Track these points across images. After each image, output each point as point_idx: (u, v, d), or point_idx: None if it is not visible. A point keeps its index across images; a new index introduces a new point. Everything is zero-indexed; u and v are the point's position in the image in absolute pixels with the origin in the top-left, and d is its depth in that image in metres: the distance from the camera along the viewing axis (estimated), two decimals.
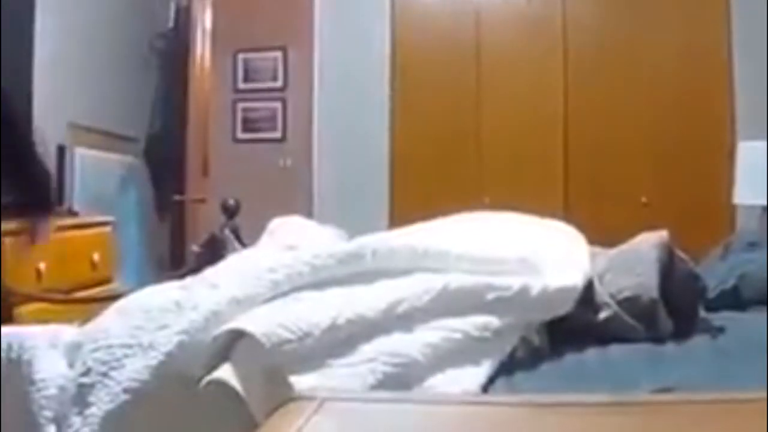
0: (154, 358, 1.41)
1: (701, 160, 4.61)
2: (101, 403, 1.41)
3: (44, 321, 1.84)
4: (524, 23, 5.01)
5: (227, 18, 5.29)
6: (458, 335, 1.46)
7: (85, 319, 1.71)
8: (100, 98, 4.52)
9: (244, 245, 2.68)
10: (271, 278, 1.52)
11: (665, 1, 4.76)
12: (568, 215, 3.84)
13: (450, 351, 1.43)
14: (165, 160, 5.15)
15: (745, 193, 3.99)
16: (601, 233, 2.10)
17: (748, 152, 4.00)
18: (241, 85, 5.65)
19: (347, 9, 5.31)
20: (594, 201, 4.73)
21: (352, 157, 5.23)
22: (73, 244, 3.16)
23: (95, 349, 1.49)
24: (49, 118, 3.63)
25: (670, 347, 1.63)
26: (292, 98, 5.54)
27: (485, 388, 1.41)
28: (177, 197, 4.91)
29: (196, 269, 2.04)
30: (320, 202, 5.29)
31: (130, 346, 1.47)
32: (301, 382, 1.26)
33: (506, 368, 1.49)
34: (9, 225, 2.53)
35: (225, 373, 1.32)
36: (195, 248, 2.93)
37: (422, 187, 5.05)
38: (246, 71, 5.64)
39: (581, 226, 2.10)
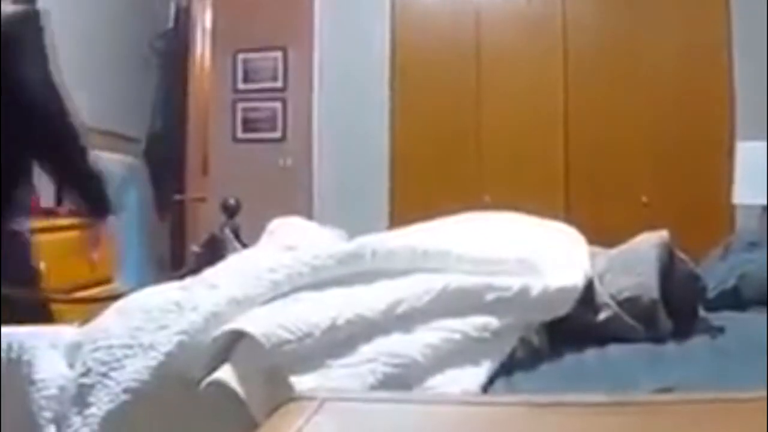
0: (154, 358, 1.41)
1: (701, 160, 4.61)
2: (101, 404, 1.40)
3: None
4: (524, 23, 5.01)
5: (227, 18, 5.29)
6: (458, 336, 1.46)
7: (85, 320, 1.71)
8: (100, 98, 4.52)
9: (244, 245, 2.68)
10: (271, 279, 1.52)
11: (665, 1, 4.76)
12: (568, 215, 3.85)
13: (450, 351, 1.43)
14: (165, 160, 5.15)
15: (745, 193, 3.99)
16: (601, 233, 2.10)
17: (747, 152, 4.01)
18: (241, 85, 5.65)
19: (347, 9, 5.31)
20: (594, 201, 4.73)
21: (352, 157, 5.23)
22: (73, 244, 3.15)
23: (95, 350, 1.49)
24: None
25: (670, 347, 1.63)
26: (292, 98, 5.54)
27: (485, 388, 1.41)
28: (177, 197, 4.91)
29: (196, 269, 2.03)
30: (320, 202, 5.29)
31: (130, 347, 1.47)
32: (301, 382, 1.26)
33: (506, 369, 1.49)
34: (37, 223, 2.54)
35: (225, 373, 1.32)
36: (195, 248, 2.92)
37: (422, 187, 5.06)
38: (246, 71, 5.64)
39: (581, 226, 2.10)
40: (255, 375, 1.32)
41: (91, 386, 1.44)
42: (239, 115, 5.64)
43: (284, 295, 1.51)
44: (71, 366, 1.52)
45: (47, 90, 2.20)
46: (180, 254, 4.78)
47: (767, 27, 4.24)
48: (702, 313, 1.85)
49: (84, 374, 1.46)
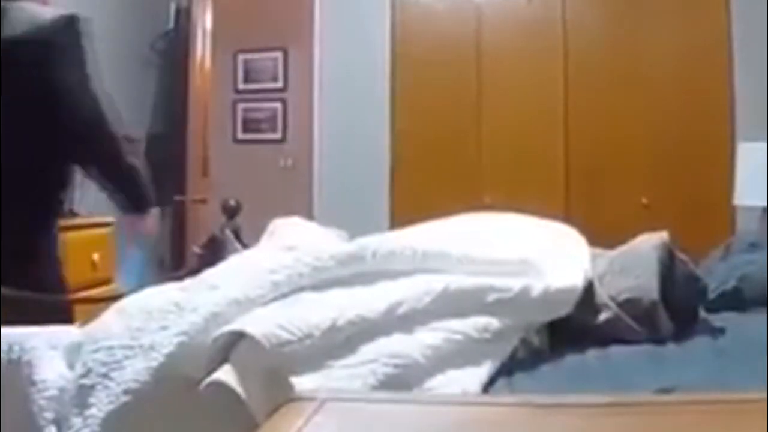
0: (154, 359, 1.41)
1: (701, 161, 4.61)
2: (101, 404, 1.40)
3: None
4: (524, 23, 5.01)
5: (227, 18, 5.29)
6: (459, 336, 1.46)
7: (85, 320, 1.71)
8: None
9: (244, 246, 2.68)
10: (271, 279, 1.52)
11: (665, 2, 4.76)
12: (568, 216, 3.85)
13: (450, 352, 1.43)
14: (165, 161, 5.15)
15: (745, 194, 3.99)
16: (602, 234, 2.10)
17: (748, 153, 4.01)
18: (242, 86, 5.65)
19: (347, 10, 5.32)
20: (594, 201, 4.73)
21: (352, 157, 5.23)
22: (73, 244, 3.16)
23: (95, 350, 1.49)
24: None
25: (670, 348, 1.63)
26: (293, 99, 5.54)
27: (486, 388, 1.41)
28: (177, 197, 4.91)
29: (196, 270, 2.03)
30: (320, 203, 5.29)
31: (130, 347, 1.47)
32: (301, 383, 1.26)
33: (507, 369, 1.49)
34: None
35: (225, 374, 1.32)
36: (195, 249, 2.92)
37: (423, 187, 5.06)
38: (246, 72, 5.64)
39: (581, 227, 2.10)
40: (255, 375, 1.32)
41: (92, 387, 1.44)
42: (240, 116, 5.64)
43: (285, 295, 1.51)
44: (71, 367, 1.52)
45: (87, 94, 2.26)
46: (180, 255, 4.78)
47: (767, 27, 4.24)
48: (702, 314, 1.85)
49: (84, 375, 1.46)
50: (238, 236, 2.89)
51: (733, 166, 4.10)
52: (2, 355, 1.54)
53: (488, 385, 1.43)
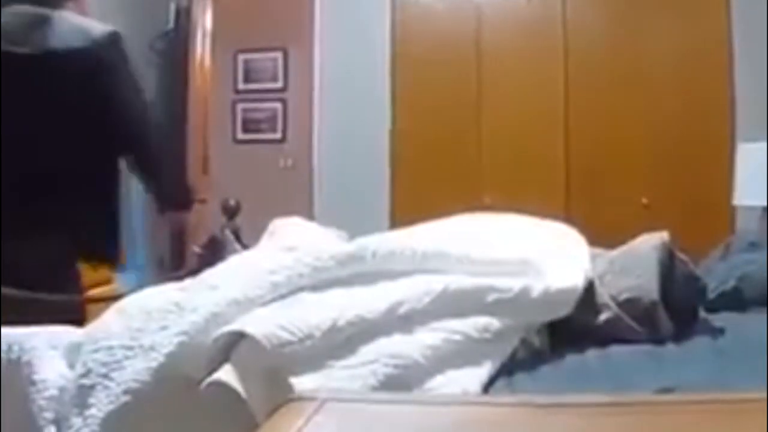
0: (154, 359, 1.41)
1: (701, 161, 4.62)
2: (101, 405, 1.41)
3: None
4: (524, 23, 5.01)
5: (227, 18, 5.29)
6: (459, 337, 1.46)
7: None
8: None
9: (244, 246, 2.68)
10: (271, 280, 1.52)
11: (665, 1, 4.76)
12: (568, 216, 3.85)
13: (450, 352, 1.43)
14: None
15: (745, 194, 3.99)
16: (602, 234, 2.10)
17: (748, 153, 4.01)
18: (242, 86, 5.65)
19: (347, 10, 5.32)
20: (594, 202, 4.73)
21: (352, 157, 5.23)
22: None
23: (95, 350, 1.49)
24: None
25: (670, 348, 1.63)
26: (293, 99, 5.54)
27: (486, 389, 1.41)
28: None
29: (196, 270, 2.04)
30: (320, 203, 5.29)
31: (130, 348, 1.47)
32: (301, 383, 1.26)
33: (507, 369, 1.49)
34: None
35: (225, 374, 1.32)
36: (195, 249, 2.92)
37: (423, 187, 5.06)
38: (246, 72, 5.64)
39: (581, 227, 2.10)
40: (256, 375, 1.32)
41: (92, 387, 1.44)
42: (239, 116, 5.64)
43: (284, 296, 1.52)
44: (71, 367, 1.52)
45: (137, 103, 2.48)
46: (180, 255, 4.78)
47: (767, 27, 4.24)
48: (702, 314, 1.85)
49: (84, 375, 1.46)
50: (238, 236, 2.89)
51: (733, 166, 4.10)
52: (2, 355, 1.54)
53: (488, 386, 1.43)
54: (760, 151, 3.84)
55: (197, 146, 5.05)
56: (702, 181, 4.59)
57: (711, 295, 1.95)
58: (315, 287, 1.54)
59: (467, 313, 1.52)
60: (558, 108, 4.89)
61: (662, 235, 1.85)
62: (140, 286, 1.97)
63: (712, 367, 1.46)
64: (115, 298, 1.91)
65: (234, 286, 1.52)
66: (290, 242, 1.96)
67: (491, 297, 1.56)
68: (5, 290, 2.07)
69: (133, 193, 4.82)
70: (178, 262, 3.01)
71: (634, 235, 1.96)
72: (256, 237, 2.27)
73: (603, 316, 1.71)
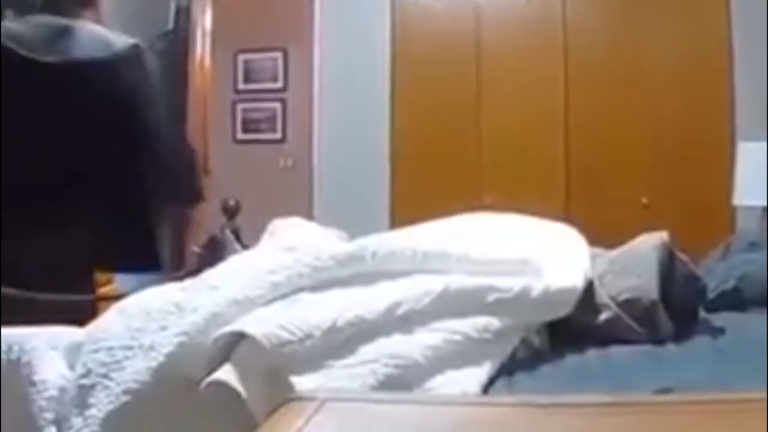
0: (154, 359, 1.41)
1: (701, 161, 4.61)
2: (101, 405, 1.41)
3: None
4: (524, 23, 5.01)
5: (227, 18, 5.29)
6: (459, 337, 1.46)
7: None
8: None
9: (244, 246, 2.68)
10: (271, 280, 1.52)
11: (665, 2, 4.76)
12: (568, 216, 3.85)
13: (450, 352, 1.43)
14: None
15: (745, 194, 3.99)
16: (602, 234, 2.10)
17: (748, 153, 4.01)
18: (241, 86, 5.65)
19: (347, 10, 5.32)
20: (594, 202, 4.73)
21: (352, 157, 5.23)
22: None
23: (95, 351, 1.50)
24: None
25: (670, 348, 1.63)
26: (293, 99, 5.54)
27: (486, 389, 1.41)
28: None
29: (196, 270, 2.04)
30: (320, 203, 5.29)
31: (130, 348, 1.47)
32: (301, 383, 1.26)
33: (507, 369, 1.49)
34: None
35: (225, 374, 1.32)
36: (195, 249, 2.92)
37: (423, 187, 5.06)
38: (246, 72, 5.64)
39: (581, 227, 2.10)
40: (256, 375, 1.32)
41: (92, 387, 1.44)
42: (239, 116, 5.64)
43: (284, 296, 1.52)
44: (71, 367, 1.52)
45: (160, 108, 2.60)
46: (180, 255, 4.77)
47: (767, 27, 4.24)
48: (702, 313, 1.85)
49: (84, 375, 1.47)
50: (237, 236, 2.88)
51: (733, 166, 4.10)
52: (2, 355, 1.54)
53: (488, 386, 1.43)
54: (760, 150, 3.84)
55: (197, 146, 5.04)
56: (702, 181, 4.59)
57: (711, 295, 1.95)
58: (315, 287, 1.54)
59: (467, 313, 1.52)
60: (558, 108, 4.89)
61: (662, 235, 1.85)
62: (140, 286, 1.97)
63: (712, 367, 1.46)
64: (115, 298, 1.91)
65: (234, 287, 1.52)
66: (290, 242, 1.96)
67: (491, 297, 1.56)
68: (5, 290, 2.07)
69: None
70: (178, 262, 3.00)
71: (634, 235, 1.96)
72: (256, 237, 2.27)
73: (603, 316, 1.71)
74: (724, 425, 0.86)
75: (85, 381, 1.46)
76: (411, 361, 1.37)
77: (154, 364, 1.40)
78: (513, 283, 1.60)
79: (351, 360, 1.35)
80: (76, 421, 1.42)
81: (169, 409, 1.39)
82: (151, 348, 1.43)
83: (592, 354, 1.60)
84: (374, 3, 5.27)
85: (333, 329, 1.37)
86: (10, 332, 1.59)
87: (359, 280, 1.56)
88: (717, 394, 1.03)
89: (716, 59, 4.59)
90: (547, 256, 1.79)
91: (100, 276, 3.25)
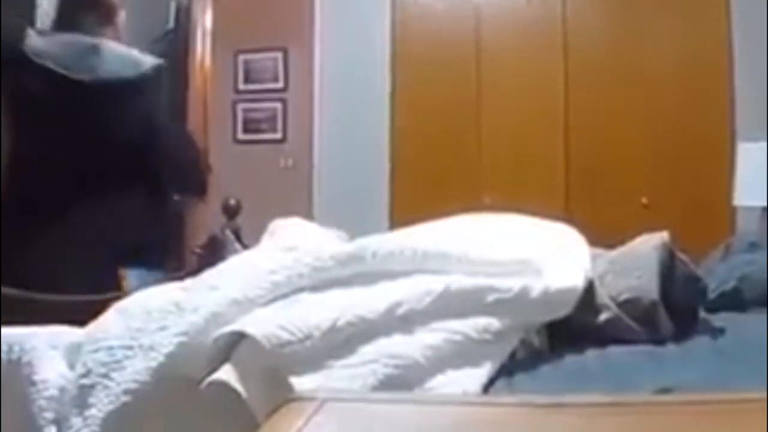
0: (154, 359, 1.41)
1: (701, 161, 4.62)
2: (101, 405, 1.41)
3: None
4: (524, 23, 5.02)
5: (228, 18, 5.28)
6: (459, 337, 1.46)
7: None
8: None
9: (244, 246, 2.68)
10: (271, 280, 1.52)
11: (665, 2, 4.76)
12: (568, 216, 3.85)
13: (450, 353, 1.43)
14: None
15: (746, 195, 3.99)
16: (602, 234, 2.10)
17: (748, 153, 4.01)
18: (242, 86, 5.66)
19: (348, 10, 5.32)
20: (594, 202, 4.73)
21: (352, 157, 5.24)
22: None
23: (95, 350, 1.50)
24: None
25: (670, 348, 1.63)
26: (293, 99, 5.54)
27: (485, 389, 1.41)
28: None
29: (196, 270, 2.04)
30: (321, 203, 5.30)
31: (130, 348, 1.47)
32: (301, 383, 1.26)
33: (507, 370, 1.49)
34: None
35: (225, 374, 1.32)
36: (196, 249, 2.92)
37: (423, 187, 5.06)
38: (246, 72, 5.64)
39: (582, 227, 2.10)
40: (256, 376, 1.32)
41: (92, 387, 1.44)
42: (240, 116, 5.64)
43: (285, 296, 1.52)
44: (71, 367, 1.52)
45: (176, 119, 3.06)
46: (180, 255, 4.77)
47: (767, 27, 4.24)
48: (702, 314, 1.85)
49: (84, 375, 1.47)
50: (238, 236, 2.89)
51: (733, 166, 4.10)
52: (2, 355, 1.54)
53: (488, 386, 1.43)
54: (760, 151, 3.84)
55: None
56: (702, 181, 4.59)
57: (711, 296, 1.95)
58: (315, 287, 1.54)
59: (467, 313, 1.52)
60: (558, 108, 4.89)
61: (662, 236, 1.85)
62: (141, 286, 1.98)
63: (712, 367, 1.46)
64: (115, 298, 1.91)
65: (234, 287, 1.52)
66: (290, 242, 1.96)
67: (491, 297, 1.56)
68: (5, 290, 2.07)
69: None
70: (178, 262, 3.02)
71: (634, 236, 1.96)
72: (257, 237, 2.27)
73: (603, 317, 1.71)
74: (724, 425, 0.86)
75: (85, 381, 1.46)
76: (411, 361, 1.37)
77: (154, 364, 1.40)
78: (513, 284, 1.60)
79: (351, 360, 1.35)
80: (76, 421, 1.42)
81: (169, 409, 1.39)
82: (151, 348, 1.43)
83: (592, 354, 1.60)
84: (374, 3, 5.27)
85: (333, 329, 1.37)
86: (11, 332, 1.60)
87: (359, 280, 1.56)
88: (717, 395, 1.03)
89: (716, 59, 4.59)
90: (547, 257, 1.79)
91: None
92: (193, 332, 1.41)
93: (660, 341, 1.66)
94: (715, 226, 4.26)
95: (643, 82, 4.74)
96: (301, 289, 1.53)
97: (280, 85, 5.58)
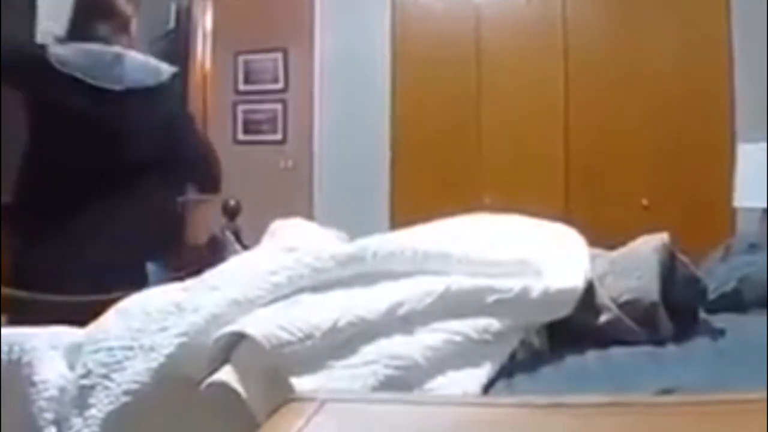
0: (154, 360, 1.41)
1: (702, 161, 4.61)
2: (102, 405, 1.41)
3: None
4: (524, 23, 5.02)
5: (228, 19, 5.29)
6: (459, 337, 1.46)
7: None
8: None
9: (244, 247, 2.69)
10: (271, 280, 1.52)
11: (665, 1, 4.76)
12: (568, 217, 3.85)
13: (451, 353, 1.43)
14: None
15: (746, 196, 3.99)
16: (602, 235, 2.10)
17: (748, 154, 4.00)
18: (242, 87, 5.66)
19: (348, 10, 5.32)
20: (594, 203, 4.73)
21: (353, 158, 5.24)
22: None
23: (95, 351, 1.50)
24: None
25: (670, 349, 1.63)
26: (293, 100, 5.54)
27: (486, 389, 1.41)
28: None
29: (196, 271, 2.04)
30: (321, 204, 5.30)
31: (130, 348, 1.47)
32: (301, 383, 1.26)
33: (507, 370, 1.49)
34: None
35: (226, 374, 1.32)
36: (196, 249, 2.93)
37: (423, 188, 5.06)
38: (247, 73, 5.64)
39: (582, 228, 2.10)
40: (256, 376, 1.32)
41: (92, 388, 1.44)
42: (240, 117, 5.64)
43: (285, 296, 1.52)
44: (71, 367, 1.52)
45: (192, 120, 3.23)
46: (180, 256, 4.77)
47: (767, 27, 4.24)
48: (702, 315, 1.85)
49: (84, 376, 1.46)
50: (238, 237, 2.89)
51: (734, 167, 4.10)
52: (2, 355, 1.54)
53: (488, 386, 1.43)
54: (760, 152, 3.83)
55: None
56: (702, 181, 4.59)
57: (711, 297, 1.95)
58: (315, 288, 1.54)
59: (468, 313, 1.52)
60: (558, 108, 4.89)
61: (662, 237, 1.85)
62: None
63: (712, 368, 1.46)
64: (115, 298, 1.91)
65: (234, 287, 1.52)
66: (291, 243, 1.96)
67: (491, 298, 1.56)
68: (5, 290, 2.07)
69: None
70: (179, 262, 3.02)
71: (634, 236, 1.96)
72: (257, 238, 2.27)
73: (603, 317, 1.71)
74: (724, 426, 0.86)
75: (85, 381, 1.46)
76: (411, 361, 1.37)
77: (154, 364, 1.40)
78: (513, 284, 1.60)
79: (351, 361, 1.35)
80: (76, 422, 1.42)
81: (169, 409, 1.39)
82: (152, 348, 1.43)
83: (592, 355, 1.60)
84: (374, 3, 5.27)
85: (333, 330, 1.37)
86: (11, 332, 1.60)
87: (360, 281, 1.56)
88: (717, 395, 1.03)
89: (716, 59, 4.59)
90: (547, 257, 1.79)
91: None
92: (193, 333, 1.41)
93: (660, 342, 1.66)
94: (715, 227, 4.26)
95: (642, 82, 4.74)
96: (302, 290, 1.53)
97: (280, 86, 5.58)
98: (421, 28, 5.22)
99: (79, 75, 2.57)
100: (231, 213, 3.08)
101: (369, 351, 1.37)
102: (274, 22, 5.47)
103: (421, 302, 1.49)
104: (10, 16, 2.87)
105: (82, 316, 1.71)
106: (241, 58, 5.62)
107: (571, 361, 1.57)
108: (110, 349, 1.48)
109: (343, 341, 1.38)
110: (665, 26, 4.74)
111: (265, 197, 4.80)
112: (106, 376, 1.44)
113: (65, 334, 1.64)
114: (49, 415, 1.46)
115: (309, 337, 1.34)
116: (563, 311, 1.65)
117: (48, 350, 1.56)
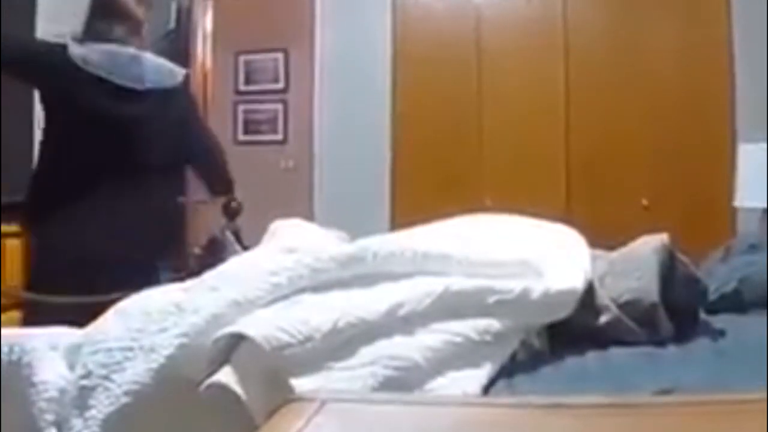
0: (154, 360, 1.41)
1: (702, 162, 4.61)
2: (102, 406, 1.41)
3: None
4: (524, 23, 5.02)
5: (228, 19, 5.29)
6: (459, 338, 1.46)
7: None
8: None
9: (245, 247, 2.69)
10: (272, 281, 1.52)
11: (665, 1, 4.76)
12: (569, 217, 3.85)
13: (451, 354, 1.43)
14: None
15: (746, 196, 3.99)
16: (602, 236, 2.10)
17: (748, 155, 4.00)
18: (242, 87, 5.65)
19: (348, 10, 5.32)
20: (595, 203, 4.73)
21: (353, 159, 5.23)
22: None
23: (95, 352, 1.50)
24: None
25: (670, 350, 1.63)
26: (294, 100, 5.54)
27: (486, 390, 1.41)
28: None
29: (197, 271, 2.04)
30: (321, 204, 5.30)
31: (130, 349, 1.47)
32: (301, 384, 1.26)
33: (507, 371, 1.49)
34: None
35: (225, 376, 1.32)
36: (196, 250, 2.93)
37: (423, 189, 5.06)
38: (247, 73, 5.64)
39: (582, 229, 2.10)
40: (255, 377, 1.32)
41: (92, 388, 1.44)
42: (240, 117, 5.64)
43: (285, 297, 1.51)
44: (71, 368, 1.52)
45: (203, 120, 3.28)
46: (180, 256, 4.77)
47: (767, 27, 4.24)
48: (703, 315, 1.85)
49: (84, 376, 1.46)
50: (238, 238, 2.89)
51: (734, 167, 4.10)
52: (2, 356, 1.54)
53: (488, 387, 1.43)
54: (760, 152, 3.83)
55: None
56: (702, 182, 4.59)
57: (711, 297, 1.95)
58: (315, 289, 1.54)
59: (468, 314, 1.52)
60: (558, 108, 4.89)
61: (662, 237, 1.85)
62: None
63: (712, 368, 1.46)
64: (115, 299, 1.91)
65: (234, 288, 1.52)
66: (291, 243, 1.96)
67: (491, 298, 1.56)
68: (5, 289, 2.08)
69: None
70: (179, 263, 3.02)
71: (634, 237, 1.96)
72: (257, 238, 2.27)
73: (603, 318, 1.71)
74: (724, 426, 0.86)
75: (85, 382, 1.46)
76: (411, 362, 1.37)
77: (154, 365, 1.40)
78: (513, 285, 1.60)
79: (351, 362, 1.35)
80: (77, 423, 1.42)
81: (169, 410, 1.39)
82: (152, 349, 1.43)
83: (592, 355, 1.60)
84: (375, 3, 5.27)
85: (333, 331, 1.37)
86: (11, 333, 1.60)
87: (360, 282, 1.56)
88: (717, 396, 1.03)
89: (716, 59, 4.59)
90: (547, 258, 1.79)
91: None
92: (193, 333, 1.41)
93: (660, 343, 1.66)
94: (716, 227, 4.26)
95: (643, 82, 4.74)
96: (302, 291, 1.53)
97: (280, 86, 5.57)
98: (422, 28, 5.22)
99: (102, 74, 2.60)
100: (231, 213, 3.08)
101: (369, 352, 1.37)
102: (275, 22, 5.47)
103: (421, 303, 1.49)
104: (10, 16, 2.87)
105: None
106: (241, 58, 5.62)
107: (571, 361, 1.57)
108: (110, 350, 1.48)
109: (343, 342, 1.38)
110: (666, 26, 4.74)
111: (266, 198, 4.79)
112: (106, 377, 1.44)
113: (65, 334, 1.64)
114: (49, 416, 1.46)
115: (309, 339, 1.33)
116: (563, 312, 1.65)
117: (48, 351, 1.56)
